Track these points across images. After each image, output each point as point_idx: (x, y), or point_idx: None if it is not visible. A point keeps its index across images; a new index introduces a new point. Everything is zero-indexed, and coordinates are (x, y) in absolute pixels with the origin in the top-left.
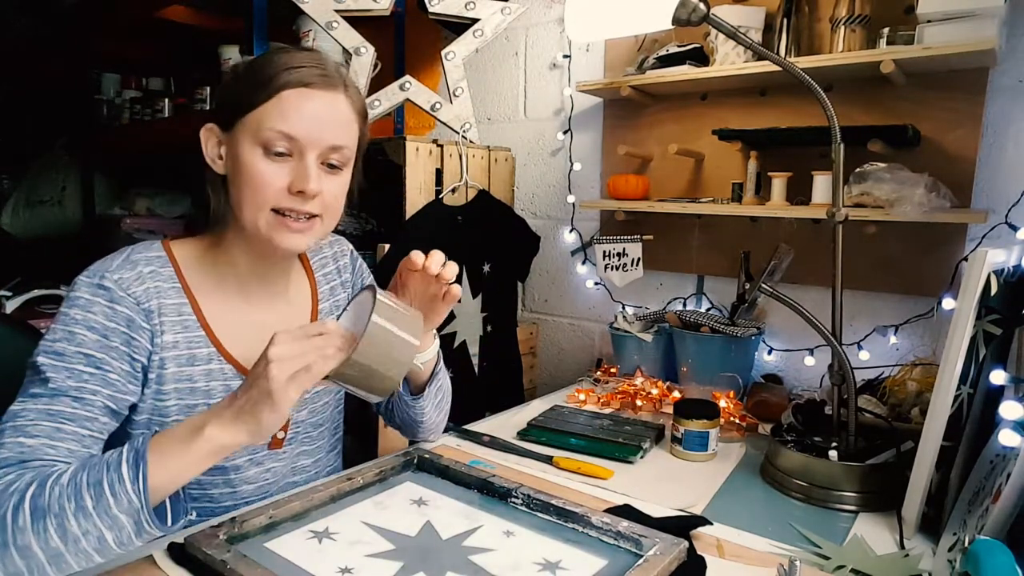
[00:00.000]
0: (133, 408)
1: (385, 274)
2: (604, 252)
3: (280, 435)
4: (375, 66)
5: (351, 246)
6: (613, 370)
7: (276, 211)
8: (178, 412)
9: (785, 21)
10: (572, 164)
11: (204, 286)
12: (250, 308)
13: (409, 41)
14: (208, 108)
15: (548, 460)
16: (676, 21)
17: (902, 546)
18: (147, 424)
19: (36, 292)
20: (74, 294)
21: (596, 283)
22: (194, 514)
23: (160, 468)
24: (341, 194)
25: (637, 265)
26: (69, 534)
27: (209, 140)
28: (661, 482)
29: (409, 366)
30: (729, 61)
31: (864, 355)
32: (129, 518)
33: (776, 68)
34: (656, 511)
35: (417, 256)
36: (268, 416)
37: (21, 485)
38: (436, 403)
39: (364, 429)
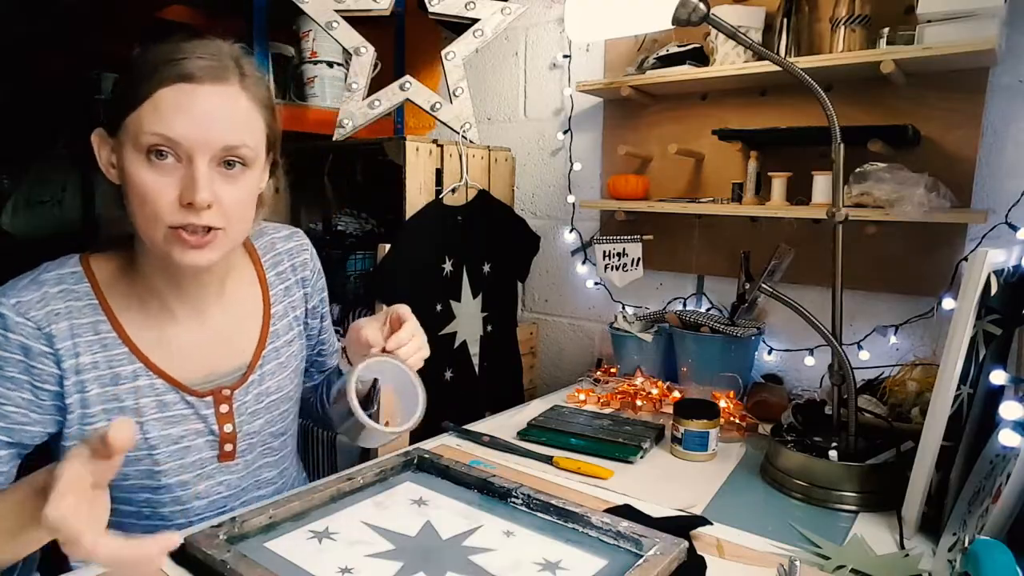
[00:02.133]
0: (59, 435)
1: (385, 274)
2: (604, 252)
3: (229, 447)
4: (375, 66)
5: (309, 242)
6: (613, 370)
7: (171, 226)
8: None
9: (785, 21)
10: (572, 164)
11: (125, 302)
12: (177, 324)
13: (409, 41)
14: None
15: (548, 460)
16: (676, 21)
17: (902, 546)
18: None
19: None
20: None
21: (596, 283)
22: None
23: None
24: (246, 199)
25: (637, 265)
26: None
27: (101, 147)
28: (661, 482)
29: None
30: (729, 61)
31: (864, 355)
32: None
33: (776, 68)
34: (656, 511)
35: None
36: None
37: None
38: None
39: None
